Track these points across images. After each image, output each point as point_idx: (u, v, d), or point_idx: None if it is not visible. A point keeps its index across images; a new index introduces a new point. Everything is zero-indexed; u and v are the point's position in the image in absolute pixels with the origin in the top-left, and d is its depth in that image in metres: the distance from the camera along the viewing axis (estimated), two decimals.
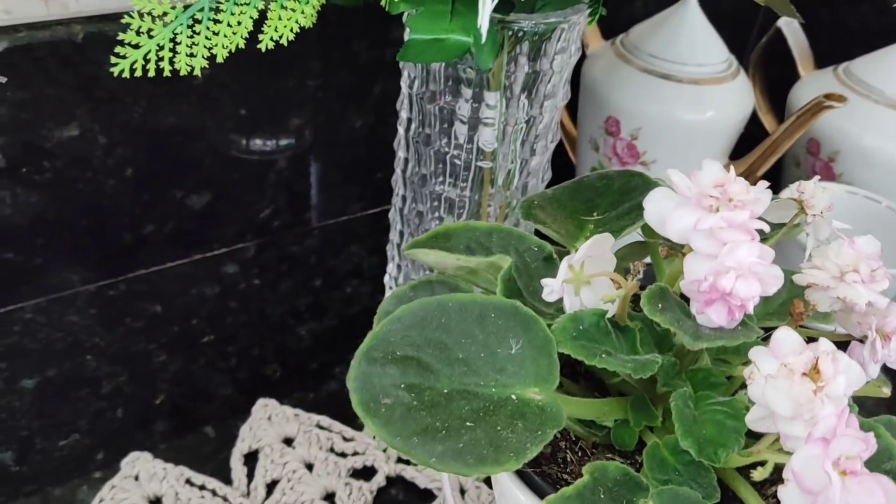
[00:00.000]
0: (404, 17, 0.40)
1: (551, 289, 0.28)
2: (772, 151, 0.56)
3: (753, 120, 0.61)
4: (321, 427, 0.47)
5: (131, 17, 0.32)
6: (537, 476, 0.28)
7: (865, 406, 0.27)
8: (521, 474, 0.29)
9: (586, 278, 0.28)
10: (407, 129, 0.46)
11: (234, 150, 0.56)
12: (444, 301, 0.27)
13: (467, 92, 0.42)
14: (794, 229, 0.33)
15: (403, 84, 0.45)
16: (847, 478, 0.22)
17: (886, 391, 0.32)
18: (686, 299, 0.27)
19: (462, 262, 0.31)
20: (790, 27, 0.72)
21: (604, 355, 0.27)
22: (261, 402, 0.47)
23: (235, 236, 0.60)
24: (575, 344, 0.27)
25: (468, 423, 0.25)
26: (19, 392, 0.46)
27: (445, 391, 0.26)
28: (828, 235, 0.32)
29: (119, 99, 0.49)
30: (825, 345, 0.24)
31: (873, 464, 0.26)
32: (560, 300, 0.28)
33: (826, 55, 0.70)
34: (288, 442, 0.46)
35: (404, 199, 0.48)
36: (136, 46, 0.32)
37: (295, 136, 0.58)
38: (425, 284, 0.34)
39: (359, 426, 0.47)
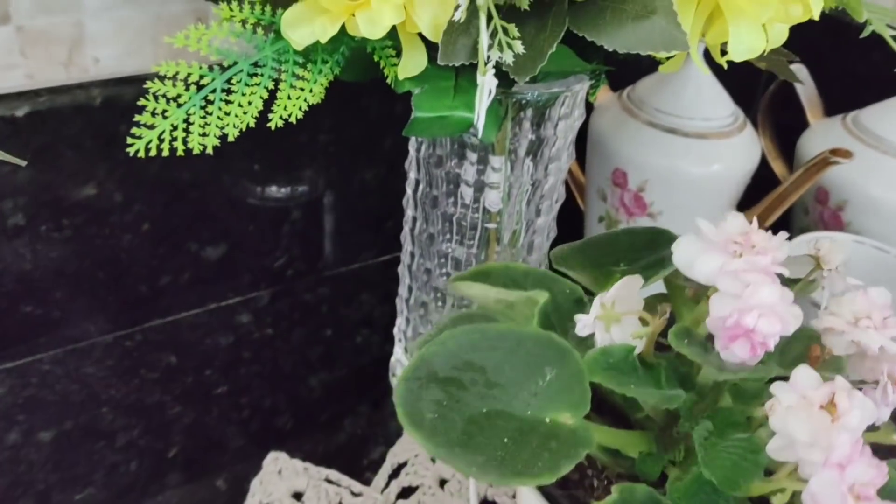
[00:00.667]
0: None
1: (584, 324, 0.30)
2: (780, 203, 0.56)
3: (763, 164, 0.62)
4: (330, 481, 0.48)
5: (147, 99, 0.33)
6: (565, 499, 0.30)
7: (876, 453, 0.29)
8: (548, 496, 0.31)
9: (617, 315, 0.31)
10: (415, 190, 0.47)
11: (249, 202, 0.57)
12: (484, 329, 0.30)
13: (473, 156, 0.43)
14: (811, 284, 0.34)
15: (411, 147, 0.46)
16: (861, 502, 0.25)
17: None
18: (708, 340, 0.29)
19: (502, 295, 0.33)
20: (800, 74, 0.72)
21: (632, 386, 0.29)
22: (271, 455, 0.48)
23: (250, 285, 0.61)
24: (606, 374, 0.29)
25: (505, 440, 0.27)
26: (37, 445, 0.48)
27: (484, 411, 0.28)
28: (842, 289, 0.34)
29: (135, 158, 0.50)
30: (841, 382, 0.26)
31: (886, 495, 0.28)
32: (591, 336, 0.30)
33: (836, 102, 0.71)
34: (297, 496, 0.47)
35: (412, 255, 0.49)
36: (152, 127, 0.33)
37: (308, 188, 0.59)
38: (465, 317, 0.36)
39: (366, 480, 0.48)
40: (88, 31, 0.47)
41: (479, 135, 0.35)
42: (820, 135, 0.67)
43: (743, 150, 0.58)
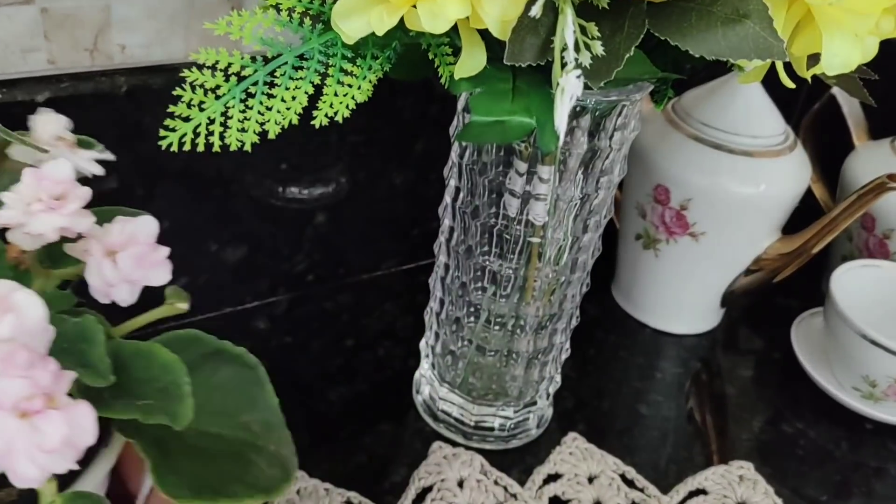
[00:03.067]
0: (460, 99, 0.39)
1: None
2: (829, 230, 0.54)
3: None
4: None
5: (183, 89, 0.30)
6: None
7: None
8: None
9: None
10: (454, 199, 0.44)
11: (272, 203, 0.55)
12: None
13: (520, 165, 0.40)
14: None
15: (453, 153, 0.43)
16: (32, 419, 0.22)
17: (183, 306, 0.32)
18: None
19: None
20: (844, 95, 0.70)
21: None
22: None
23: (268, 290, 0.58)
24: None
25: None
26: None
27: None
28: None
29: (158, 151, 0.48)
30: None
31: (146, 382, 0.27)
32: None
33: (881, 125, 0.68)
34: None
35: (447, 267, 0.47)
36: (187, 119, 0.31)
37: (334, 190, 0.57)
38: None
39: (388, 503, 0.45)
40: (116, 15, 0.45)
41: (560, 142, 0.32)
42: (867, 158, 0.65)
43: (792, 171, 0.55)
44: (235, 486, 0.29)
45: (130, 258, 0.29)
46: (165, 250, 0.30)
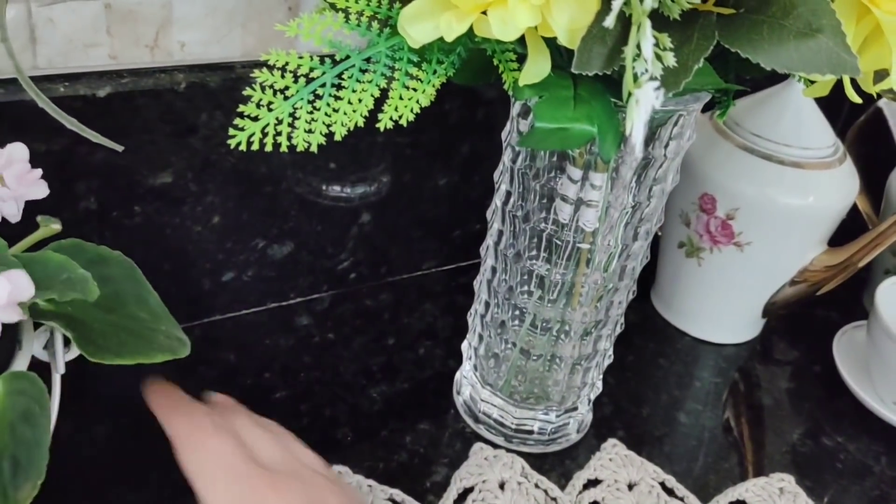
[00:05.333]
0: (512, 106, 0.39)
1: None
2: (876, 244, 0.53)
3: None
4: (394, 502, 0.45)
5: (253, 89, 0.31)
6: None
7: None
8: None
9: None
10: (505, 203, 0.44)
11: (319, 201, 0.55)
12: None
13: (574, 171, 0.40)
14: None
15: (506, 157, 0.43)
16: None
17: (56, 226, 0.36)
18: None
19: None
20: (891, 108, 0.69)
21: None
22: (335, 469, 0.46)
23: (311, 286, 0.59)
24: None
25: None
26: (90, 440, 0.46)
27: None
28: None
29: (213, 147, 0.49)
30: None
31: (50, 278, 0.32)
32: None
33: None
34: None
35: (494, 270, 0.47)
36: (255, 119, 0.31)
37: (380, 190, 0.57)
38: None
39: (429, 502, 0.45)
40: (177, 13, 0.45)
41: (600, 148, 0.32)
42: None
43: (841, 183, 0.55)
44: (145, 349, 0.36)
45: (14, 176, 0.35)
46: (39, 171, 0.36)
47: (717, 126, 0.56)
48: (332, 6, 0.32)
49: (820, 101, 0.62)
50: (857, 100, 0.32)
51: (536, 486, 0.46)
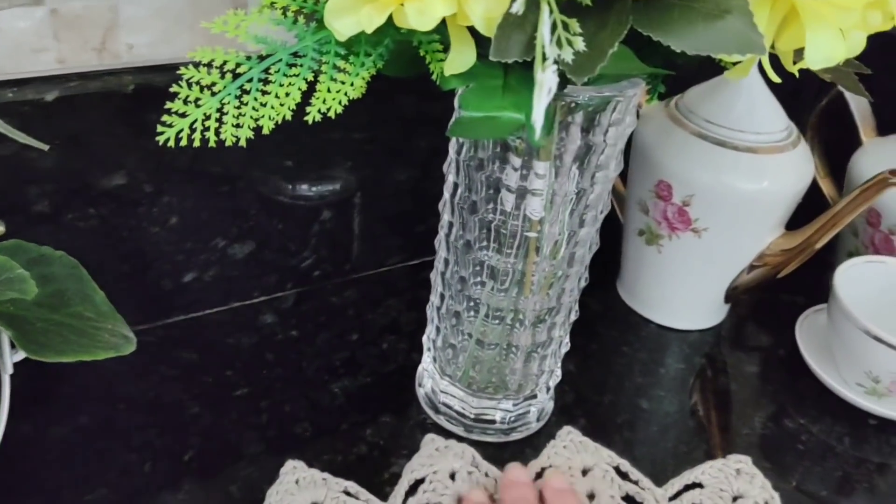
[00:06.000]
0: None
1: None
2: (832, 225, 0.54)
3: (811, 183, 0.59)
4: (349, 494, 0.45)
5: (179, 86, 0.31)
6: None
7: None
8: None
9: None
10: (453, 194, 0.45)
11: (279, 199, 0.56)
12: None
13: (516, 161, 0.41)
14: None
15: (451, 149, 0.44)
16: None
17: (0, 229, 0.37)
18: None
19: None
20: None
21: None
22: (289, 464, 0.46)
23: (275, 285, 0.59)
24: None
25: None
26: (48, 440, 0.46)
27: None
28: None
29: (166, 148, 0.49)
30: None
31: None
32: None
33: (888, 121, 0.68)
34: None
35: (446, 262, 0.47)
36: (183, 115, 0.32)
37: (339, 187, 0.58)
38: None
39: (385, 495, 0.46)
40: (123, 16, 0.46)
41: (537, 137, 0.33)
42: (874, 154, 0.65)
43: (795, 167, 0.55)
44: (88, 347, 0.37)
45: None
46: None
47: (671, 114, 0.56)
48: (271, 6, 0.32)
49: (781, 85, 0.62)
50: (777, 79, 0.33)
51: (486, 475, 0.46)
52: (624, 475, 0.47)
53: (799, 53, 0.32)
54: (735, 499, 0.46)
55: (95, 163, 0.47)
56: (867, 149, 0.66)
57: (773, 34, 0.31)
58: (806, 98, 0.77)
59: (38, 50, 0.45)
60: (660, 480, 0.48)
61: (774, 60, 0.34)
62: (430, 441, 0.47)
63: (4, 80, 0.45)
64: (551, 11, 0.27)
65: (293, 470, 0.46)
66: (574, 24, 0.27)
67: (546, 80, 0.25)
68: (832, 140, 0.71)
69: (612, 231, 0.59)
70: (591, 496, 0.45)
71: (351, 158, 0.57)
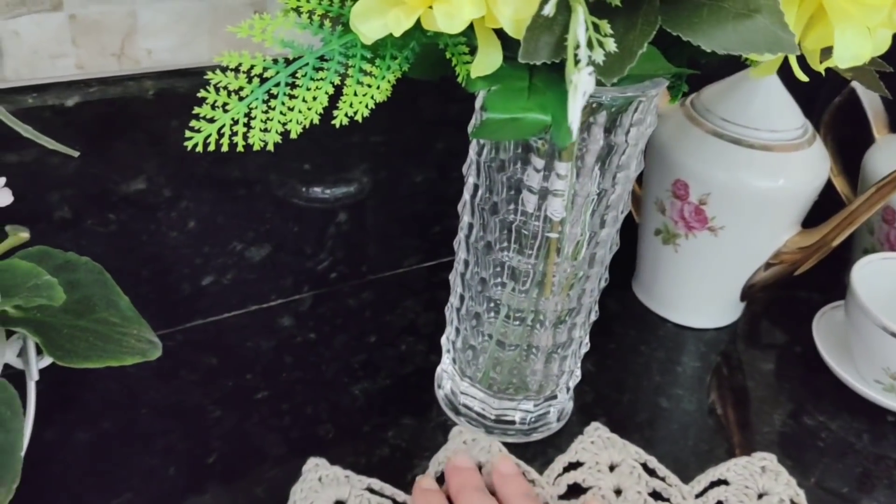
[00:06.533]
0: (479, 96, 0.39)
1: None
2: (849, 223, 0.54)
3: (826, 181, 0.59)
4: (372, 491, 0.46)
5: (207, 91, 0.31)
6: None
7: None
8: None
9: None
10: (473, 196, 0.45)
11: (295, 202, 0.56)
12: None
13: (538, 162, 0.41)
14: None
15: (472, 150, 0.44)
16: None
17: (24, 234, 0.36)
18: None
19: None
20: (865, 88, 0.69)
21: None
22: (312, 461, 0.46)
23: (292, 287, 0.59)
24: None
25: None
26: (73, 445, 0.46)
27: None
28: None
29: (185, 153, 0.49)
30: None
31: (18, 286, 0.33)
32: None
33: None
34: None
35: (466, 263, 0.47)
36: (211, 120, 0.32)
37: (356, 189, 0.58)
38: None
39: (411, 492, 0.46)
40: (142, 21, 0.46)
41: (573, 138, 0.32)
42: (887, 151, 0.65)
43: (811, 164, 0.55)
44: (115, 353, 0.37)
45: None
46: (2, 179, 0.36)
47: (687, 113, 0.56)
48: (296, 10, 0.32)
49: (798, 85, 0.62)
50: (804, 78, 0.33)
51: None
52: (651, 472, 0.47)
53: (825, 52, 0.32)
54: (760, 496, 0.46)
55: (116, 168, 0.48)
56: (880, 145, 0.65)
57: (801, 33, 0.31)
58: (819, 96, 0.77)
59: (57, 56, 0.45)
60: (683, 478, 0.48)
61: (798, 59, 0.34)
62: (458, 434, 0.47)
63: (25, 86, 0.45)
64: (579, 13, 0.27)
65: (315, 468, 0.46)
66: (605, 26, 0.27)
67: (581, 82, 0.25)
68: (845, 137, 0.71)
69: (627, 231, 0.59)
70: (618, 492, 0.45)
71: (367, 160, 0.57)
